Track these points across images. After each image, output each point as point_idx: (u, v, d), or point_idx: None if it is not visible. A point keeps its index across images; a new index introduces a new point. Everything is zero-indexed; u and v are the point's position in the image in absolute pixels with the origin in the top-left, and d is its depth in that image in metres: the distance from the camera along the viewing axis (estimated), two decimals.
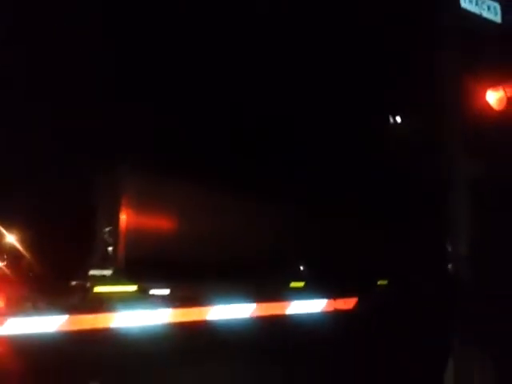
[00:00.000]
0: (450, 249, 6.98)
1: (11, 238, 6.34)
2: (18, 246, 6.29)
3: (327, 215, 7.46)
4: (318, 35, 7.35)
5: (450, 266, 7.12)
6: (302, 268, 7.53)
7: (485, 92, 7.64)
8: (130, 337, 6.01)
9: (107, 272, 6.38)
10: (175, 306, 6.46)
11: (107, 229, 6.56)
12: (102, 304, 6.09)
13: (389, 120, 7.88)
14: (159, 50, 6.38)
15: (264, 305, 7.01)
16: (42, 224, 5.99)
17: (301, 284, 7.35)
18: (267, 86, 6.92)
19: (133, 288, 6.32)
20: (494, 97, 7.46)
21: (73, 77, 6.01)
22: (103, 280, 6.34)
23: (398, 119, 7.79)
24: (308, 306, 7.31)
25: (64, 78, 5.98)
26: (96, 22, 6.18)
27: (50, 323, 5.52)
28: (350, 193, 7.50)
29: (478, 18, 7.40)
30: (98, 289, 6.20)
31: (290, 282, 7.28)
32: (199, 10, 6.69)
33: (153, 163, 6.42)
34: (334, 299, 7.22)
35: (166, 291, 6.45)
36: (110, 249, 6.49)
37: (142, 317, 6.21)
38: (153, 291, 6.42)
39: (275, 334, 6.75)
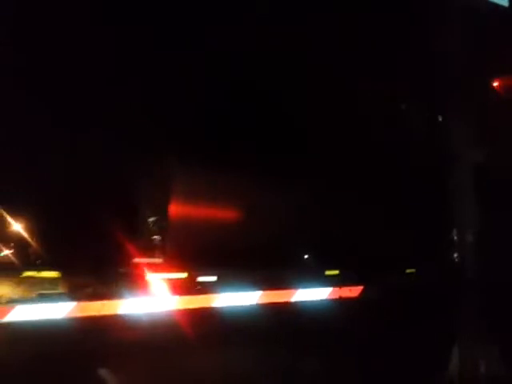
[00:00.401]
0: (456, 237, 6.97)
1: (69, 228, 6.64)
2: (76, 234, 6.58)
3: (341, 205, 7.57)
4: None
5: (455, 254, 7.11)
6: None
7: (493, 79, 7.55)
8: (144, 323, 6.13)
9: (159, 260, 6.66)
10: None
11: (157, 218, 6.85)
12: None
13: (396, 111, 7.86)
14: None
15: (271, 292, 7.13)
16: (97, 214, 6.23)
17: (336, 272, 7.52)
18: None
19: (183, 275, 6.61)
20: (501, 84, 7.38)
21: (125, 74, 6.18)
22: (155, 267, 6.62)
23: (406, 109, 7.76)
24: (313, 294, 7.40)
25: (116, 76, 6.17)
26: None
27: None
28: (358, 183, 7.58)
29: (484, 1, 7.29)
30: (149, 276, 6.49)
31: (325, 270, 7.45)
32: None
33: (201, 154, 6.62)
34: (340, 287, 7.30)
35: (213, 278, 6.72)
36: (161, 237, 6.78)
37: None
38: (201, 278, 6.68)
39: (282, 321, 6.86)
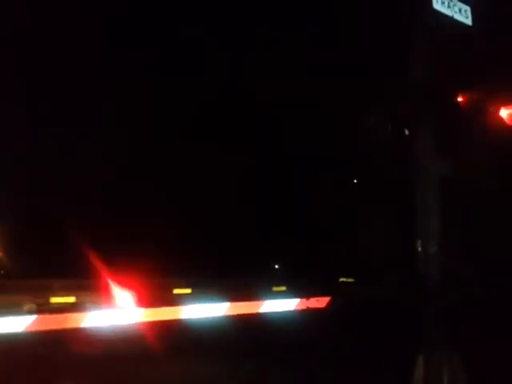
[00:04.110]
0: (419, 248, 7.07)
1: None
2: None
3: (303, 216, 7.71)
4: None
5: (419, 265, 7.20)
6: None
7: (457, 94, 7.71)
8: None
9: None
10: None
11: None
12: None
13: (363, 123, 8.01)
14: None
15: (238, 304, 7.14)
16: None
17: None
18: None
19: None
20: (465, 99, 7.55)
21: None
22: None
23: (372, 122, 7.90)
24: (281, 305, 7.41)
25: None
26: None
27: None
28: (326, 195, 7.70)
29: (449, 20, 7.44)
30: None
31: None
32: None
33: None
34: (307, 298, 7.33)
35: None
36: None
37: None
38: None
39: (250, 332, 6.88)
